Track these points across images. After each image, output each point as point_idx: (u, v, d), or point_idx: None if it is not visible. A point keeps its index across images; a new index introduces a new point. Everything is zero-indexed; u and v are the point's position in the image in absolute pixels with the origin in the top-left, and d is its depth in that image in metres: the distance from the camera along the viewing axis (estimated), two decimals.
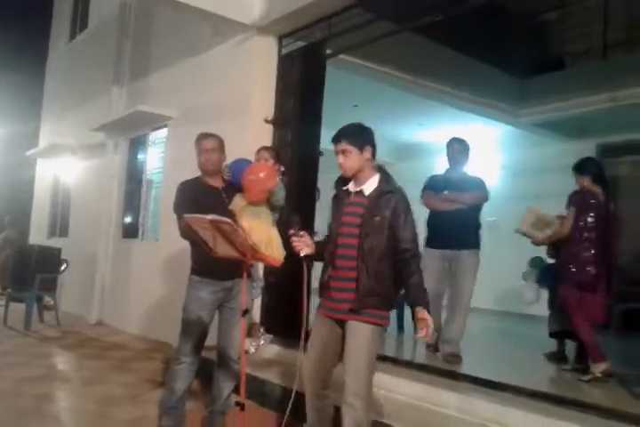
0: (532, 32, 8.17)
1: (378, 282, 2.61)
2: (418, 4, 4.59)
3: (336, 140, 2.73)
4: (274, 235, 3.11)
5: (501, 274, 7.50)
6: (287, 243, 2.78)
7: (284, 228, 3.08)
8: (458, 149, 4.81)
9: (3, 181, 13.49)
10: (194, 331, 3.34)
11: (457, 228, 4.53)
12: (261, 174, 3.19)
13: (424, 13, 4.61)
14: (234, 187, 3.38)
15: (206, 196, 3.39)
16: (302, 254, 2.67)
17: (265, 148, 4.03)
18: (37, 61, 11.93)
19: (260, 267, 4.58)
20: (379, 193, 2.68)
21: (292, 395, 2.76)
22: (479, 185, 4.75)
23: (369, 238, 2.62)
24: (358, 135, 2.73)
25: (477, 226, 4.70)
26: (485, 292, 6.00)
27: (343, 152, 2.70)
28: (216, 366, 3.51)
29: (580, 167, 4.40)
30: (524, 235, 4.73)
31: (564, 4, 7.42)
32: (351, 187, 2.78)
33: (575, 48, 8.11)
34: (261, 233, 2.96)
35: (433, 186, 4.81)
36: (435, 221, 4.72)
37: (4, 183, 13.41)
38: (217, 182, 3.50)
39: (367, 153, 2.71)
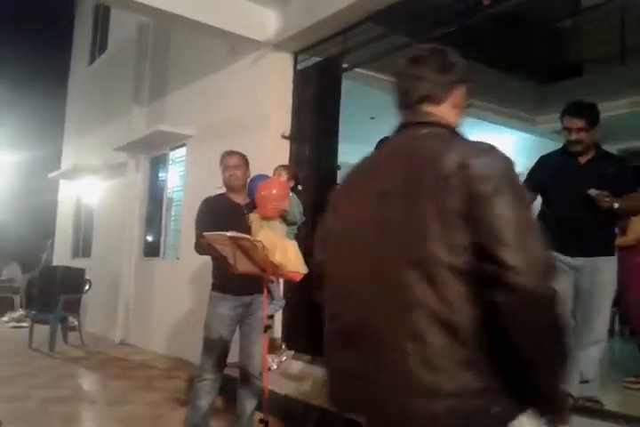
0: (549, 39, 8.12)
1: None
2: (431, 15, 4.61)
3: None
4: (289, 244, 3.13)
5: None
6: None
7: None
8: (577, 123, 3.35)
9: (26, 203, 13.71)
10: (216, 347, 3.34)
11: (589, 225, 3.30)
12: (274, 191, 3.27)
13: (437, 24, 4.62)
14: (254, 203, 3.43)
15: (227, 212, 3.42)
16: None
17: (282, 166, 4.05)
18: (58, 84, 12.20)
19: (281, 284, 4.55)
20: None
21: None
22: (622, 167, 3.44)
23: None
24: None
25: (612, 223, 3.46)
26: None
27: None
28: (239, 384, 3.49)
29: None
30: None
31: (580, 11, 7.37)
32: None
33: (593, 54, 8.04)
34: (277, 243, 2.98)
35: (549, 174, 3.44)
36: (553, 214, 3.34)
37: (28, 206, 13.63)
38: (240, 199, 3.53)
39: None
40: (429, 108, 1.44)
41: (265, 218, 3.25)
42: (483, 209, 1.18)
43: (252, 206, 3.44)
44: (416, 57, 1.48)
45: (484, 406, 1.20)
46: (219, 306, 3.35)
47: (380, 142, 2.94)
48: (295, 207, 3.41)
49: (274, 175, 3.88)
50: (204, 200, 3.56)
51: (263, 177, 3.58)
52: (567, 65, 8.27)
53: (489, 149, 1.30)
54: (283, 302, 3.69)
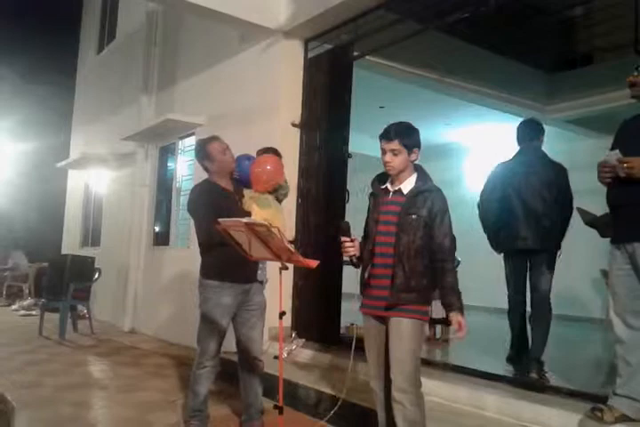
0: (560, 27, 8.05)
1: (414, 278, 2.61)
2: (443, 2, 4.56)
3: (387, 137, 2.68)
4: (287, 225, 3.22)
5: None
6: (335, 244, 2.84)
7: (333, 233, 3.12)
8: None
9: (35, 192, 13.75)
10: (216, 336, 3.36)
11: (629, 207, 2.84)
12: (268, 166, 3.43)
13: (449, 12, 4.57)
14: (242, 183, 3.51)
15: (222, 199, 3.40)
16: (355, 259, 2.76)
17: (260, 150, 4.06)
18: (67, 73, 12.17)
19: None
20: (416, 192, 2.68)
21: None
22: None
23: (405, 236, 2.63)
24: (410, 137, 2.71)
25: None
26: None
27: (392, 151, 2.67)
28: (241, 370, 3.52)
29: None
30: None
31: None
32: (390, 186, 2.78)
33: (604, 43, 7.96)
34: (276, 221, 3.02)
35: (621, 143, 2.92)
36: (612, 198, 2.96)
37: (37, 195, 13.66)
38: (228, 185, 3.52)
39: (414, 155, 2.71)
40: None
41: (258, 191, 3.41)
42: None
43: (240, 192, 3.47)
44: None
45: None
46: (220, 295, 3.33)
47: None
48: (287, 185, 3.68)
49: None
50: (199, 186, 3.53)
51: (248, 157, 3.64)
52: (578, 54, 8.20)
53: None
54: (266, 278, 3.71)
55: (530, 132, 4.33)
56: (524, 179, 4.11)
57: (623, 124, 3.06)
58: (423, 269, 2.62)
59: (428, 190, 2.67)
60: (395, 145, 2.65)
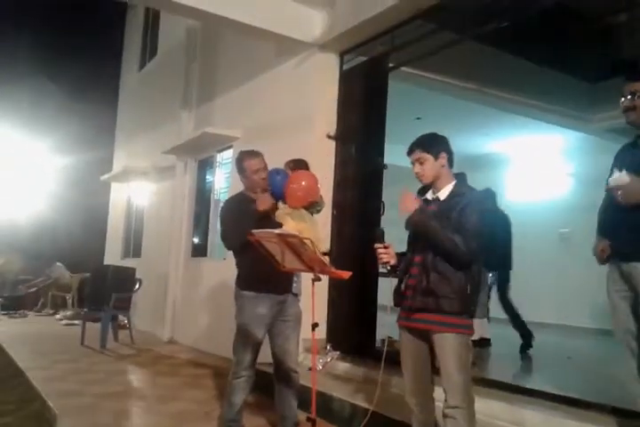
0: (602, 34, 7.89)
1: (439, 282, 2.55)
2: (481, 12, 4.52)
3: (409, 151, 2.76)
4: (321, 237, 3.19)
5: (576, 288, 7.19)
6: (371, 256, 2.79)
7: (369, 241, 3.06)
8: (631, 86, 2.88)
9: (79, 205, 14.11)
10: (252, 347, 3.39)
11: (630, 227, 2.71)
12: (303, 182, 3.41)
13: (487, 21, 4.53)
14: (274, 197, 3.48)
15: (252, 209, 3.40)
16: (389, 266, 2.71)
17: (289, 162, 4.04)
18: (110, 90, 12.56)
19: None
20: (451, 196, 2.66)
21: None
22: None
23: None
24: (431, 143, 2.73)
25: None
26: (558, 307, 5.72)
27: (418, 160, 2.71)
28: (276, 382, 3.52)
29: None
30: None
31: (633, 5, 7.12)
32: (429, 195, 2.78)
33: None
34: (309, 234, 3.00)
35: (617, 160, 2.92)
36: (603, 216, 2.99)
37: (81, 207, 14.02)
38: None
39: (442, 160, 2.70)
40: None
41: (294, 208, 3.38)
42: None
43: (274, 205, 3.47)
44: None
45: None
46: (256, 306, 3.36)
47: None
48: (322, 201, 3.66)
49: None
50: (229, 200, 3.61)
51: (278, 171, 3.63)
52: (622, 61, 8.00)
53: None
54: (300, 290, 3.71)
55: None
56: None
57: (620, 149, 3.03)
58: (452, 273, 2.55)
59: (461, 194, 2.64)
60: (417, 154, 2.71)
